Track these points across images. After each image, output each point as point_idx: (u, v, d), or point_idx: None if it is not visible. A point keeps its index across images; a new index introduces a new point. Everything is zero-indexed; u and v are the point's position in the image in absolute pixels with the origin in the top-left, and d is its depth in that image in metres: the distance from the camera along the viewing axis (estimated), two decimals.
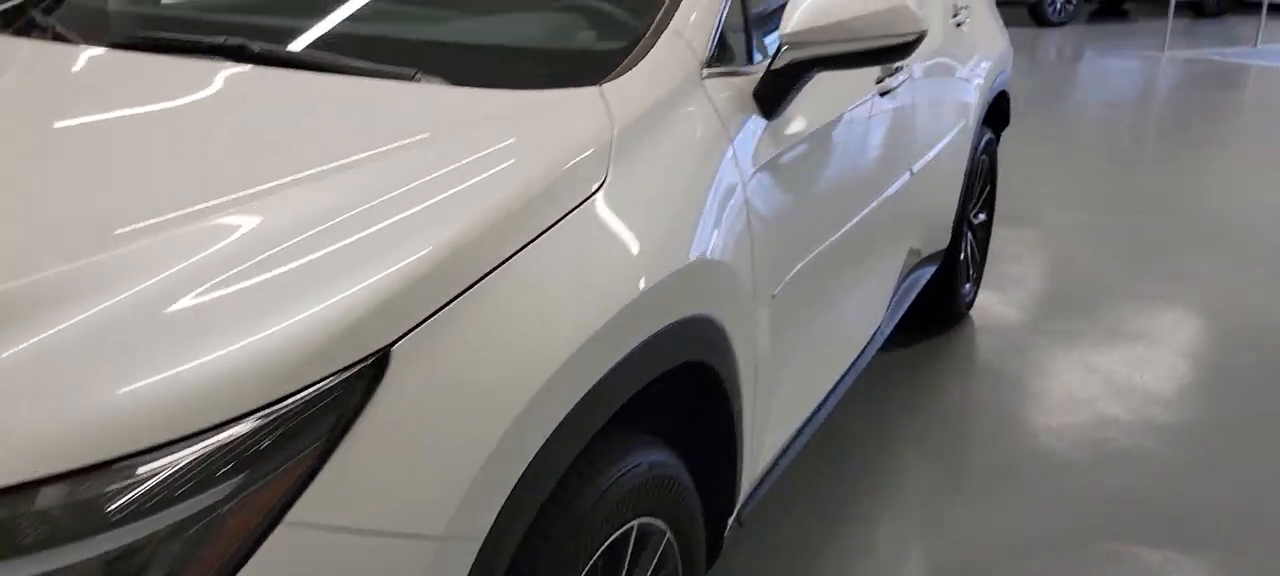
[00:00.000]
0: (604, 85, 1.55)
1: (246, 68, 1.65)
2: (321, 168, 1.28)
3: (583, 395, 1.25)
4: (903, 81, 2.50)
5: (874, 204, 2.38)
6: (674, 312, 1.47)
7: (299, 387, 0.97)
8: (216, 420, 0.93)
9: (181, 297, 1.02)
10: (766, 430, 1.95)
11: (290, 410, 0.96)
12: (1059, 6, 12.76)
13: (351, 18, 1.92)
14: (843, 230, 2.19)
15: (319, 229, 1.14)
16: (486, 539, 1.12)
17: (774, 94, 1.82)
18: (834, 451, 2.85)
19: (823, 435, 2.91)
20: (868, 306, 2.58)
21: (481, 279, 1.16)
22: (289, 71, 1.64)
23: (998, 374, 3.46)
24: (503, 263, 1.19)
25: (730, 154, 1.69)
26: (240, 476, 0.93)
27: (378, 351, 1.03)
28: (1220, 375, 3.40)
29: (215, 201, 1.18)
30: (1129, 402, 3.18)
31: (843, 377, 2.45)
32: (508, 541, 1.17)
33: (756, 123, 1.81)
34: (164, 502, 0.90)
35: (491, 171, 1.29)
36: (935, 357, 3.52)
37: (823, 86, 2.02)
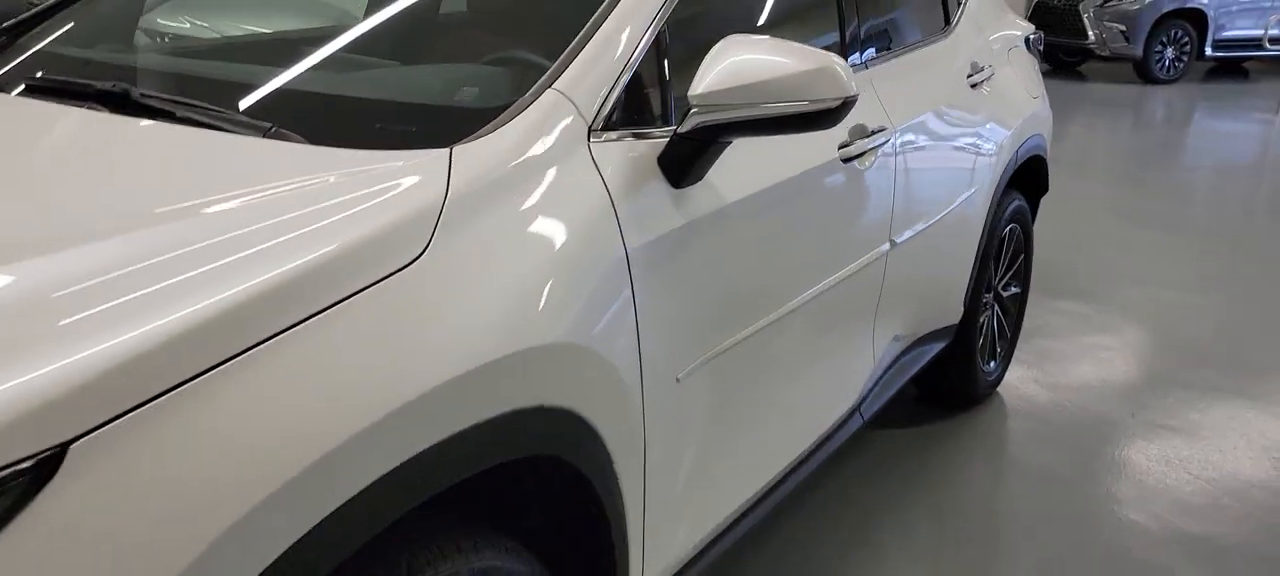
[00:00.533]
0: (456, 147, 1.43)
1: (106, 115, 1.58)
2: (91, 228, 1.19)
3: (342, 502, 1.11)
4: (878, 144, 2.30)
5: (831, 280, 2.18)
6: (503, 404, 1.31)
7: None
8: None
9: None
10: (668, 525, 1.77)
11: None
12: (1167, 63, 12.12)
13: (257, 65, 1.85)
14: (783, 309, 2.01)
15: (42, 299, 1.04)
16: None
17: (682, 161, 1.67)
18: (809, 532, 2.63)
19: (801, 514, 2.69)
20: (827, 390, 2.37)
21: (217, 366, 1.03)
22: (148, 121, 1.56)
23: (1013, 463, 3.18)
24: (251, 347, 1.07)
25: (613, 225, 1.54)
26: None
27: (44, 451, 0.92)
28: (1271, 491, 3.03)
29: None
30: (1156, 507, 2.86)
31: (797, 468, 2.24)
32: None
33: (660, 192, 1.65)
34: None
35: (271, 242, 1.17)
36: (951, 438, 3.26)
37: (760, 152, 1.85)
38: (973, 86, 2.92)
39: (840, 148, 2.15)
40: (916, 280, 2.69)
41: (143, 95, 1.61)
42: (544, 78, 1.58)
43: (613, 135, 1.61)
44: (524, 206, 1.43)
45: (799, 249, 2.09)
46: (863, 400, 2.53)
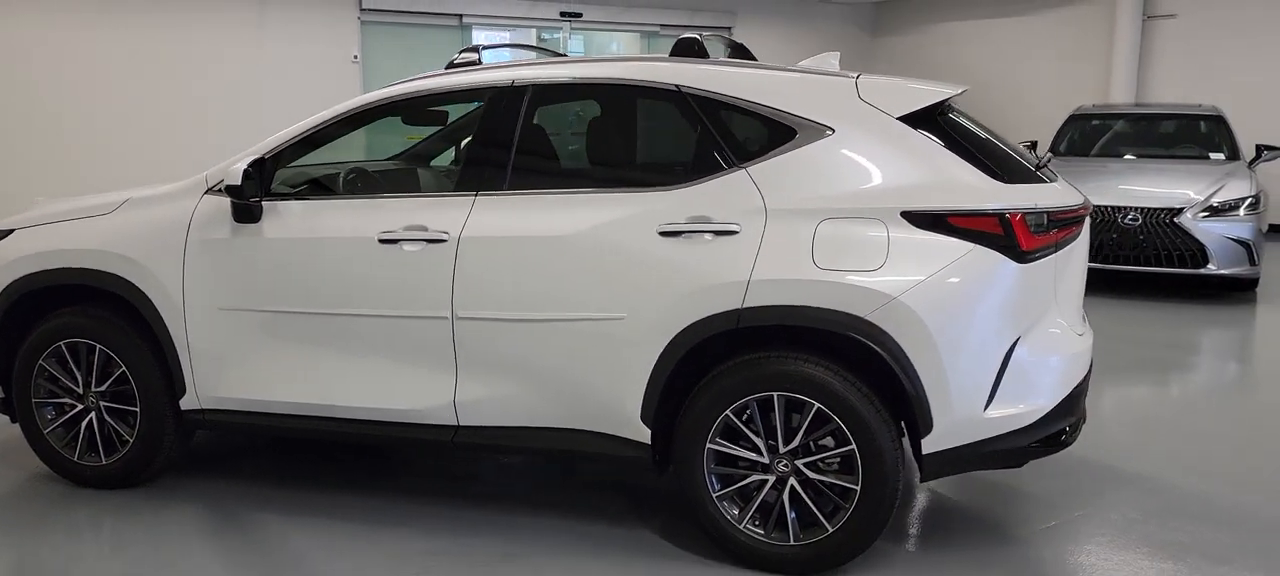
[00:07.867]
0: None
1: None
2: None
3: (46, 268, 3.89)
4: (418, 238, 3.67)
5: (353, 311, 3.64)
6: (92, 261, 3.80)
7: None
8: None
9: None
10: (212, 367, 3.74)
11: None
12: None
13: None
14: (300, 310, 3.66)
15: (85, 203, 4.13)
16: None
17: (234, 210, 3.74)
18: None
19: None
20: (379, 387, 3.67)
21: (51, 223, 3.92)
22: None
23: None
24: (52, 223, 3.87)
25: (184, 228, 3.70)
26: None
27: (11, 229, 3.97)
28: None
29: None
30: None
31: (364, 426, 3.72)
32: None
33: (224, 221, 3.70)
34: None
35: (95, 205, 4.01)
36: None
37: (327, 219, 3.71)
38: None
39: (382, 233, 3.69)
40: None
41: None
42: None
43: (216, 193, 3.55)
44: (155, 211, 3.78)
45: (341, 283, 3.61)
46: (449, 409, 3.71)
